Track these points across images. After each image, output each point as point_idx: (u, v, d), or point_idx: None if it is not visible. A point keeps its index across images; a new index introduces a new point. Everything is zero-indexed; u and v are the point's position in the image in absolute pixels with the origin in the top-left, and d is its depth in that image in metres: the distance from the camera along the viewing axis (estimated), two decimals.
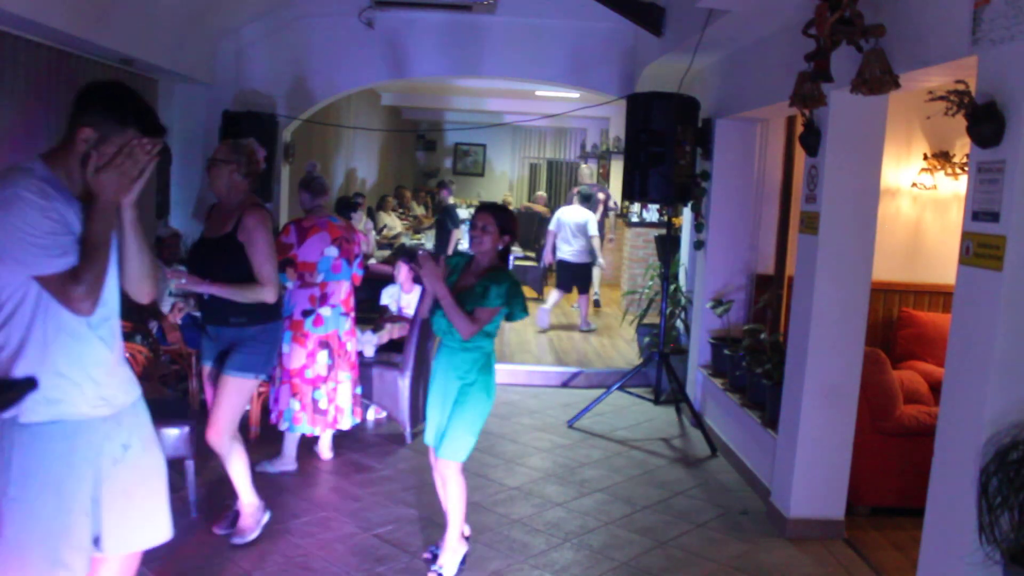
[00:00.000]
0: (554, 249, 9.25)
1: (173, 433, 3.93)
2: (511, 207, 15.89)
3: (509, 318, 3.49)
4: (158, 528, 2.42)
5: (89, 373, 2.21)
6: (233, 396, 3.73)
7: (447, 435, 3.47)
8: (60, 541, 2.15)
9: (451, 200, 11.40)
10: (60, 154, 2.19)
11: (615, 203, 11.77)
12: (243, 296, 3.67)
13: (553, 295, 9.17)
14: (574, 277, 9.07)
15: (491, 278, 3.43)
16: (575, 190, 10.54)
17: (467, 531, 3.83)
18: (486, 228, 3.45)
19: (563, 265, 9.17)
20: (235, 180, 3.75)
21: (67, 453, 2.16)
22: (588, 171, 11.93)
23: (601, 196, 11.05)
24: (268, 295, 3.69)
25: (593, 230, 9.14)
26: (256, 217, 3.69)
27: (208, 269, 3.68)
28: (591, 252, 9.12)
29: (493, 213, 3.51)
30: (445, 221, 10.66)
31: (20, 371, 2.12)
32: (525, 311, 3.51)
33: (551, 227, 9.33)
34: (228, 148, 3.79)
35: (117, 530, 2.31)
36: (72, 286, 2.08)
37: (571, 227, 9.05)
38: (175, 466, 4.18)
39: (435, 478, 3.70)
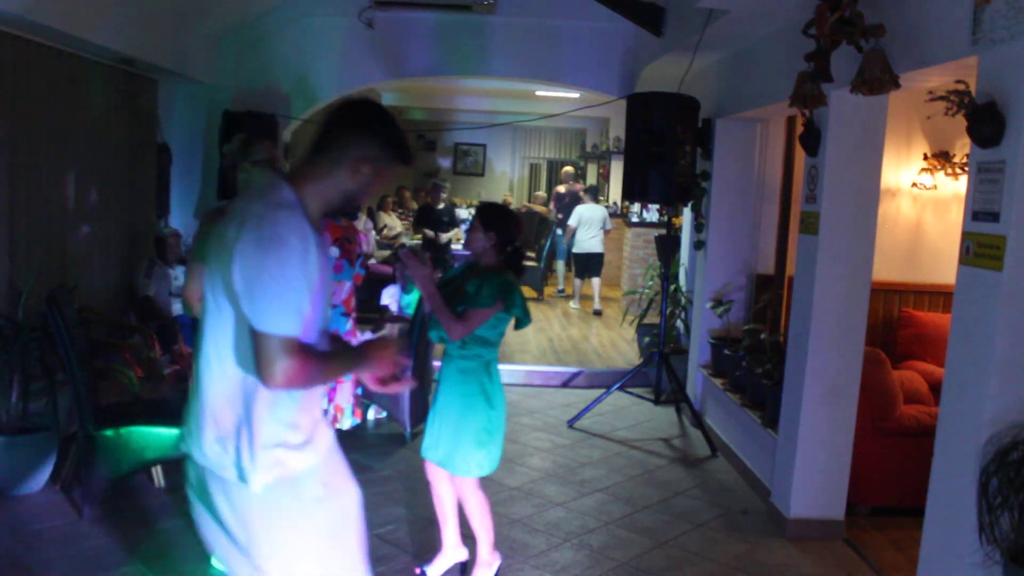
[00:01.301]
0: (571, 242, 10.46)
1: (173, 433, 3.93)
2: (511, 207, 15.93)
3: (517, 325, 3.32)
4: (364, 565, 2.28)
5: (305, 427, 2.06)
6: None
7: (452, 450, 3.30)
8: None
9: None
10: (314, 181, 2.01)
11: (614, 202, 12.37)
12: None
13: (576, 283, 10.53)
14: (592, 265, 10.30)
15: (484, 277, 3.26)
16: (558, 189, 12.05)
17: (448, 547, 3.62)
18: (474, 226, 3.35)
19: (583, 255, 10.28)
20: None
21: (299, 507, 2.03)
22: (572, 171, 13.07)
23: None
24: None
25: (608, 224, 10.40)
26: None
27: None
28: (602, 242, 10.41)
29: (479, 211, 3.40)
30: (439, 225, 10.48)
31: (255, 424, 1.95)
32: (526, 315, 3.31)
33: (571, 222, 10.34)
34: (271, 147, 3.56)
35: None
36: (291, 360, 1.86)
37: (592, 221, 10.19)
38: (176, 466, 4.19)
39: (432, 488, 3.53)
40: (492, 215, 3.38)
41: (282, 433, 2.00)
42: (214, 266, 1.97)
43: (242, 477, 1.96)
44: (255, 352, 1.88)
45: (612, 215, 12.05)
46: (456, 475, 3.36)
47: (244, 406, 1.97)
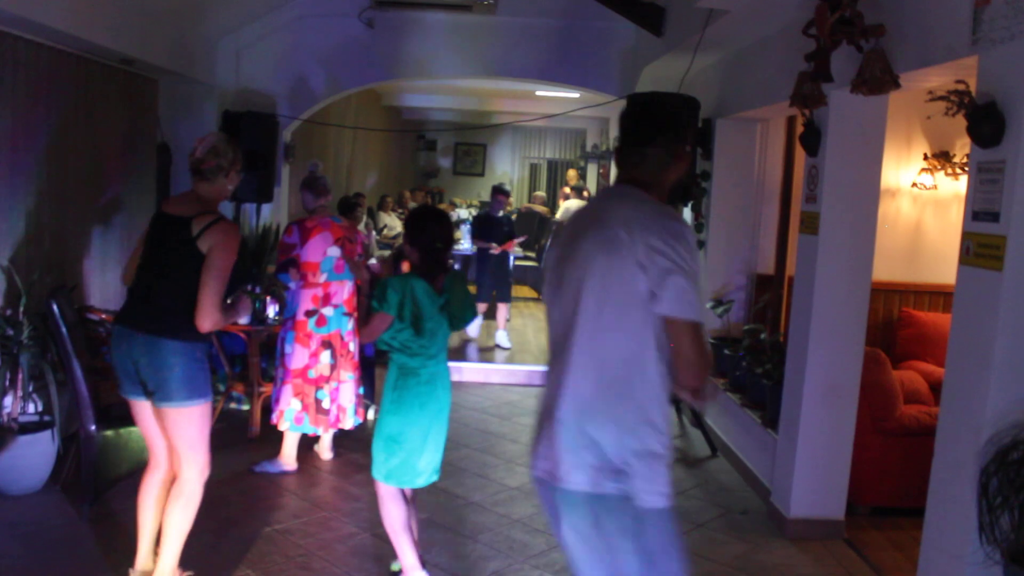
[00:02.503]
0: None
1: None
2: (511, 207, 15.98)
3: (454, 326, 3.25)
4: None
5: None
6: None
7: (374, 450, 3.26)
8: None
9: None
10: (658, 179, 2.12)
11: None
12: None
13: None
14: None
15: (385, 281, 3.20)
16: (564, 189, 12.73)
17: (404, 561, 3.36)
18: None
19: None
20: None
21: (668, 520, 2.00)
22: (574, 173, 13.77)
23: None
24: None
25: None
26: None
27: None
28: None
29: (409, 214, 3.36)
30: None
31: (643, 437, 1.94)
32: (420, 321, 3.14)
33: (558, 216, 11.20)
34: None
35: None
36: (707, 346, 1.93)
37: None
38: None
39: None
40: (412, 217, 3.29)
41: (663, 443, 1.96)
42: (595, 268, 1.98)
43: (632, 496, 1.91)
44: (680, 347, 1.90)
45: None
46: (373, 476, 3.28)
47: (631, 420, 1.94)
